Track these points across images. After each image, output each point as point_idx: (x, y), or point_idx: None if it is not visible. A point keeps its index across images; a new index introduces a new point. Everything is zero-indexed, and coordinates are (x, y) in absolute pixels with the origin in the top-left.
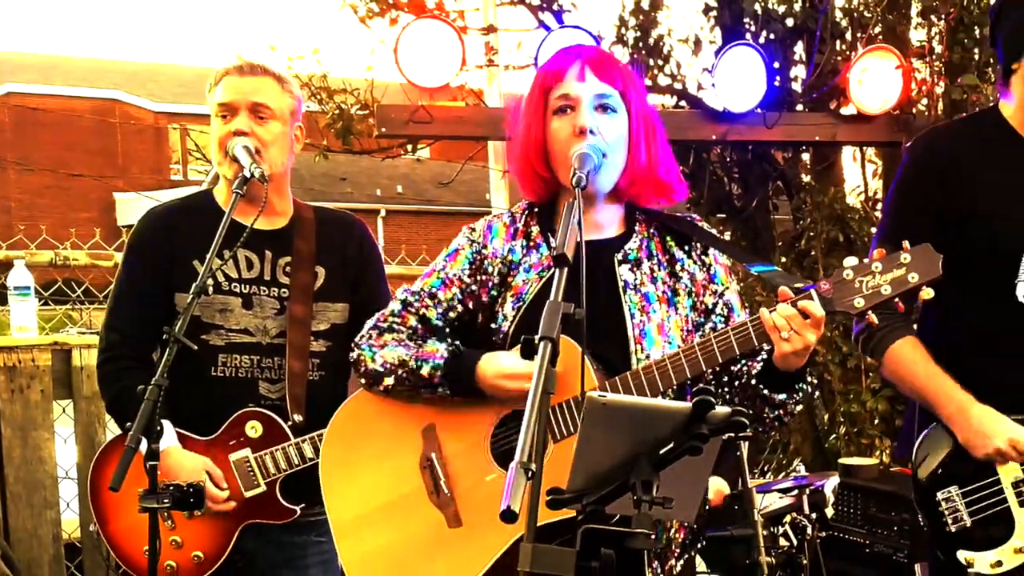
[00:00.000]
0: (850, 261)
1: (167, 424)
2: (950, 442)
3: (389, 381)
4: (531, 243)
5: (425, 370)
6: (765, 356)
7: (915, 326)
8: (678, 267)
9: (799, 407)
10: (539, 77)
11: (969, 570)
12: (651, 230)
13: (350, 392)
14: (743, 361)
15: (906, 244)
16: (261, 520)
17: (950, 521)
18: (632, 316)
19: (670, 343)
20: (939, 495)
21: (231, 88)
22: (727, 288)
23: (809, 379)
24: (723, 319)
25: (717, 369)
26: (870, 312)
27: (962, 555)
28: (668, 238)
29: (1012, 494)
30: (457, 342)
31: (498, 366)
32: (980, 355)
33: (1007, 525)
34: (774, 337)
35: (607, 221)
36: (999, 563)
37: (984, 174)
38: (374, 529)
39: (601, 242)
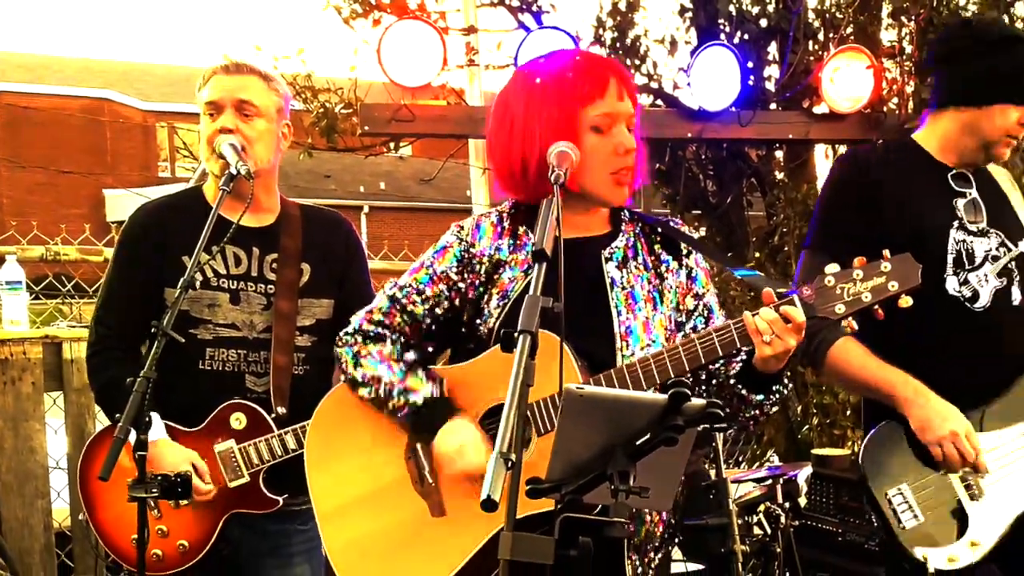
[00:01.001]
0: (832, 268)
1: (156, 416)
2: (896, 440)
3: (364, 392)
4: (518, 242)
5: (400, 400)
6: (744, 357)
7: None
8: (663, 268)
9: (774, 408)
10: (568, 88)
11: (927, 565)
12: (636, 230)
13: (335, 383)
14: (721, 362)
15: (886, 253)
16: (245, 510)
17: (904, 519)
18: (619, 313)
19: (654, 341)
20: (890, 493)
21: (218, 86)
22: (708, 291)
23: (785, 380)
24: (703, 320)
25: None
26: (849, 318)
27: (919, 552)
28: (653, 239)
29: (961, 488)
30: (442, 387)
31: (453, 445)
32: (919, 353)
33: (960, 520)
34: (756, 340)
35: (593, 221)
36: (954, 558)
37: (904, 187)
38: (358, 517)
39: (588, 239)
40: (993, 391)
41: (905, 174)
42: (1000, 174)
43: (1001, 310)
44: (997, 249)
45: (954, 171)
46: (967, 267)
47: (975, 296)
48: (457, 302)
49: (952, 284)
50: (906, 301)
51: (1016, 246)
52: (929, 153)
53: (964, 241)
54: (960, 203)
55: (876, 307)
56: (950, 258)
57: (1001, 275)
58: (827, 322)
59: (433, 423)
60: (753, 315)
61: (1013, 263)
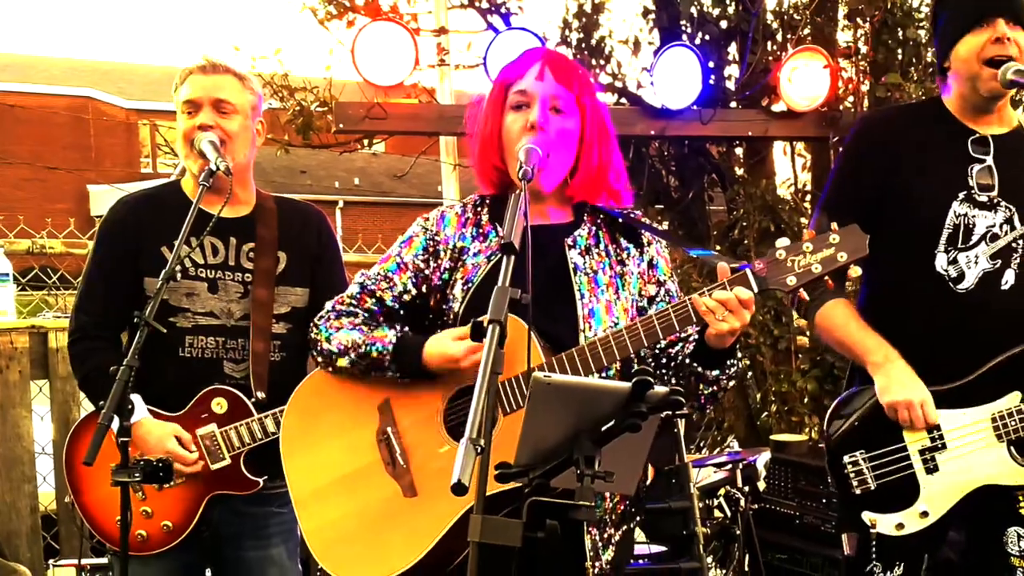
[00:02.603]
0: (782, 242)
1: (138, 398)
2: (862, 407)
3: (343, 362)
4: (481, 231)
5: (374, 353)
6: (696, 337)
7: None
8: (625, 255)
9: (731, 383)
10: (501, 75)
11: (872, 530)
12: (599, 220)
13: (309, 371)
14: (680, 344)
15: (834, 225)
16: (226, 491)
17: (855, 483)
18: (582, 297)
19: (616, 324)
20: (846, 458)
21: (195, 86)
22: (669, 279)
23: (739, 355)
24: (665, 305)
25: (657, 351)
26: (801, 289)
27: (866, 516)
28: (615, 230)
29: (919, 461)
30: (405, 328)
31: (443, 351)
32: (902, 323)
33: (911, 490)
34: (709, 319)
35: (556, 210)
36: (901, 525)
37: (920, 151)
38: (333, 500)
39: (551, 227)
40: (968, 370)
41: (924, 136)
42: None
43: (985, 294)
44: (1000, 227)
45: (976, 136)
46: (960, 245)
47: (960, 277)
48: (424, 288)
49: (941, 261)
50: (855, 270)
51: (1023, 224)
52: (953, 114)
53: (965, 215)
54: (975, 169)
55: (826, 277)
56: (945, 233)
57: (995, 257)
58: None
59: (412, 357)
60: (701, 294)
61: (1019, 242)
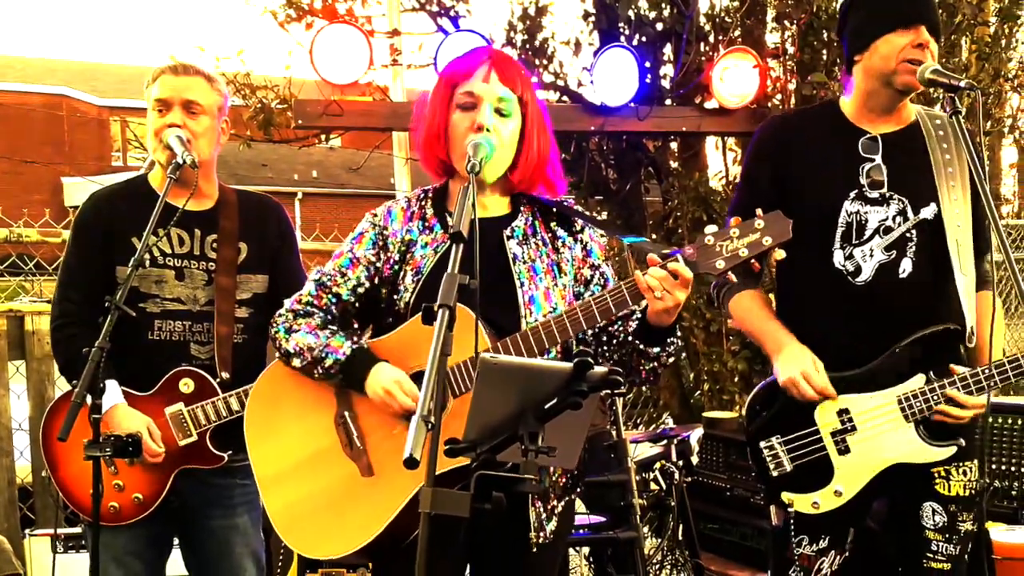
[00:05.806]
0: (711, 228)
1: (114, 383)
2: (776, 395)
3: (297, 363)
4: (426, 224)
5: (328, 362)
6: (639, 316)
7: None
8: (559, 243)
9: (671, 359)
10: (448, 72)
11: (790, 509)
12: (534, 211)
13: (269, 352)
14: (619, 323)
15: (759, 212)
16: (193, 465)
17: (772, 467)
18: (521, 284)
19: (555, 309)
20: (762, 444)
21: (167, 86)
22: (603, 262)
23: (678, 332)
24: (601, 288)
25: (597, 330)
26: (730, 272)
27: (785, 496)
28: (549, 219)
29: (831, 443)
30: (361, 341)
31: (386, 379)
32: (810, 318)
33: (826, 471)
34: (648, 297)
35: (494, 204)
36: (817, 504)
37: (812, 154)
38: (295, 481)
39: (491, 219)
40: (873, 356)
41: (817, 141)
42: (936, 128)
43: (884, 284)
44: (894, 219)
45: (867, 136)
46: (854, 241)
47: (857, 271)
48: (376, 281)
49: (838, 257)
50: (779, 254)
51: (917, 213)
52: (846, 117)
53: (857, 213)
54: (866, 168)
55: (753, 260)
56: (839, 232)
57: (890, 248)
58: (737, 272)
59: (359, 375)
60: (644, 274)
61: (913, 231)
